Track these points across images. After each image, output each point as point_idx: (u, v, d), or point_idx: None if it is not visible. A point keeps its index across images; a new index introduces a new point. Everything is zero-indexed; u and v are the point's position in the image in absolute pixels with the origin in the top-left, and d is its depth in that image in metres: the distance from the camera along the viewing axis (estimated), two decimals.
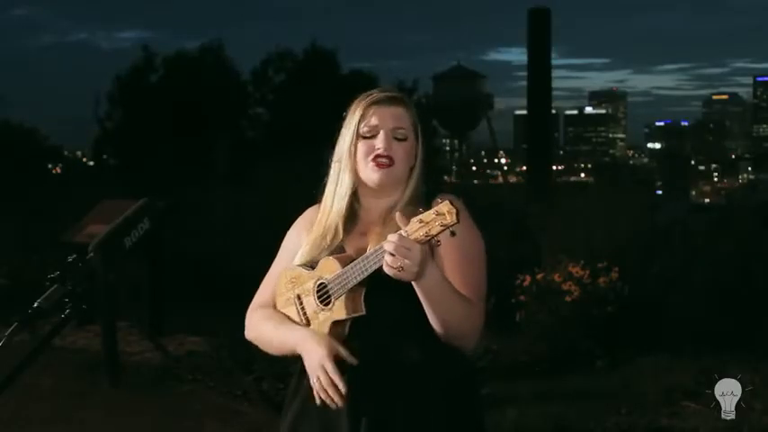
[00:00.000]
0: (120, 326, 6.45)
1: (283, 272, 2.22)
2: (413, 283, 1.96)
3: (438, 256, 2.05)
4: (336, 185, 2.20)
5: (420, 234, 1.88)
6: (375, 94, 2.19)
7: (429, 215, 1.87)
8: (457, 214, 1.84)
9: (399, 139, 2.15)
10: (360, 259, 2.01)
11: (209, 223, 10.39)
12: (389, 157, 2.13)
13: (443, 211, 1.85)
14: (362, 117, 2.16)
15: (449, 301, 2.00)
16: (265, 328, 2.22)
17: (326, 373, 2.02)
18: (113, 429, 5.18)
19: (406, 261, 1.89)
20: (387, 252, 1.90)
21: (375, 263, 1.97)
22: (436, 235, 1.87)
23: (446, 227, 1.85)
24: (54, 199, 11.65)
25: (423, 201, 2.13)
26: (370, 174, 2.14)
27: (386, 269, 1.92)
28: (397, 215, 1.94)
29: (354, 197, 2.20)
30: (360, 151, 2.15)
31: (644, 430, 4.91)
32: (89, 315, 1.88)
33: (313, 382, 2.05)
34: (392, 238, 1.89)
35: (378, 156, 2.13)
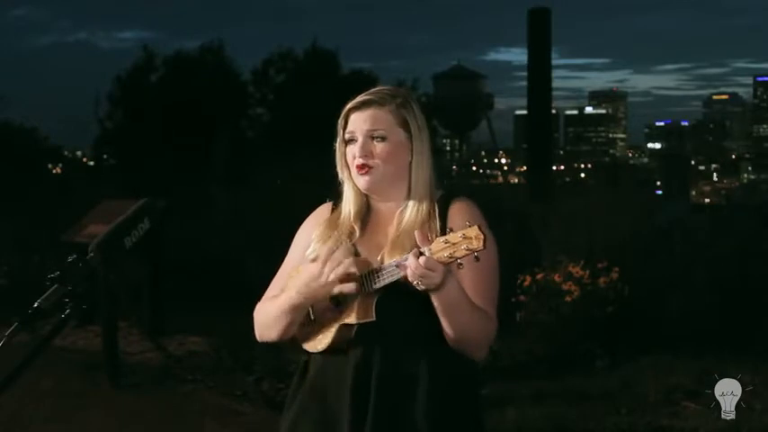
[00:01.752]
0: (120, 326, 6.45)
1: (296, 268, 2.22)
2: (431, 294, 1.96)
3: (455, 265, 2.05)
4: (345, 192, 2.23)
5: (444, 255, 1.88)
6: (353, 100, 2.20)
7: (455, 237, 1.86)
8: (484, 241, 1.83)
9: (377, 140, 2.15)
10: (378, 268, 2.01)
11: (209, 223, 10.39)
12: (367, 164, 2.14)
13: (471, 236, 1.85)
14: (345, 124, 2.20)
15: (466, 313, 2.00)
16: (267, 306, 2.20)
17: (327, 266, 2.02)
18: (113, 429, 5.18)
19: (426, 279, 1.90)
20: (410, 269, 1.90)
21: (393, 275, 1.97)
22: (461, 258, 1.87)
23: (472, 251, 1.85)
24: (54, 199, 11.65)
25: (438, 206, 2.14)
26: (356, 180, 2.18)
27: (409, 278, 1.93)
28: (417, 234, 1.94)
29: (367, 200, 2.23)
30: (348, 158, 2.19)
31: (644, 430, 4.91)
32: (89, 315, 1.87)
33: (325, 278, 2.04)
34: (420, 260, 1.88)
35: (357, 165, 2.15)
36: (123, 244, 1.95)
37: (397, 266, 1.96)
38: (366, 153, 2.14)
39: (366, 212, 2.23)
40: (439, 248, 1.88)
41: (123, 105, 26.70)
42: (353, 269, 2.02)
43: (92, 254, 1.89)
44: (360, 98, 2.20)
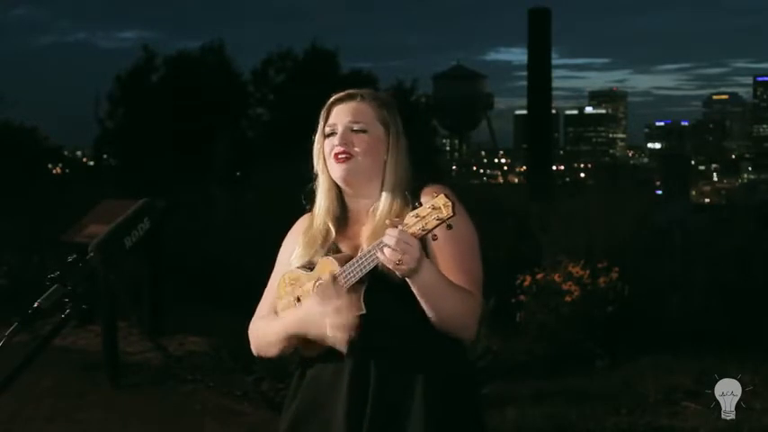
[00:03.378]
0: (120, 326, 6.45)
1: (283, 275, 2.23)
2: (408, 279, 1.96)
3: (433, 248, 2.06)
4: (319, 188, 2.24)
5: (417, 228, 1.87)
6: (335, 95, 2.24)
7: (425, 209, 1.87)
8: (453, 207, 1.84)
9: (357, 132, 2.17)
10: (357, 258, 2.01)
11: (209, 223, 10.39)
12: (346, 152, 2.15)
13: (439, 205, 1.85)
14: (326, 118, 2.22)
15: (446, 294, 2.00)
16: (265, 327, 2.23)
17: (334, 311, 2.01)
18: (113, 429, 5.18)
19: (406, 255, 1.89)
20: (386, 246, 1.90)
21: (372, 260, 1.97)
22: (432, 229, 1.87)
23: (442, 221, 1.85)
24: (54, 199, 11.65)
25: (410, 195, 2.13)
26: (333, 171, 2.18)
27: (385, 263, 1.92)
28: (388, 221, 1.94)
29: (341, 198, 2.23)
30: (325, 151, 2.20)
31: (644, 430, 4.91)
32: (89, 315, 1.87)
33: (328, 332, 2.03)
34: (392, 232, 1.89)
35: (336, 153, 2.16)
36: (123, 244, 1.94)
37: (374, 250, 1.95)
38: (346, 142, 2.16)
39: (342, 211, 2.23)
40: (411, 223, 1.88)
41: (123, 105, 26.72)
42: (351, 319, 2.01)
43: (92, 254, 1.88)
44: (343, 92, 2.24)
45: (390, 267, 1.92)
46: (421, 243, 1.92)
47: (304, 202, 2.30)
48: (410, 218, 1.89)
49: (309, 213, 2.28)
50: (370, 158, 2.17)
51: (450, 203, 1.84)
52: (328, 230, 2.20)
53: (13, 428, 4.96)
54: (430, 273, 1.97)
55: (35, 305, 1.81)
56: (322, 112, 2.24)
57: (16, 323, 1.82)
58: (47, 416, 5.27)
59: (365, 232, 2.14)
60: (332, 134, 2.19)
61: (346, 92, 2.24)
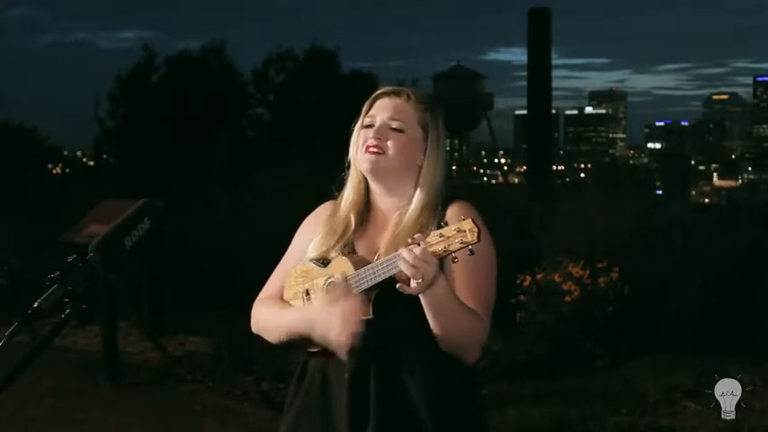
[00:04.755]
0: (120, 326, 6.45)
1: (295, 266, 2.21)
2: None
3: (450, 266, 2.04)
4: (349, 179, 2.22)
5: (439, 248, 1.87)
6: (382, 88, 2.23)
7: (450, 230, 1.86)
8: (478, 234, 1.83)
9: (395, 130, 2.15)
10: (373, 264, 2.00)
11: (209, 223, 10.40)
12: (378, 146, 2.13)
13: (465, 229, 1.84)
14: (368, 109, 2.20)
15: (454, 312, 1.99)
16: (269, 315, 2.21)
17: (340, 315, 2.01)
18: (113, 429, 5.18)
19: (422, 273, 1.88)
20: (405, 261, 1.88)
21: (388, 270, 1.96)
22: (455, 251, 1.86)
23: (466, 245, 1.84)
24: (54, 199, 11.65)
25: (439, 206, 2.12)
26: (361, 161, 2.16)
27: (399, 276, 1.91)
28: (414, 222, 1.93)
29: (368, 195, 2.21)
30: (359, 141, 2.18)
31: (644, 430, 4.92)
32: (89, 315, 1.86)
33: (332, 336, 2.03)
34: (415, 249, 1.87)
35: (368, 145, 2.14)
36: (123, 244, 1.94)
37: (391, 261, 1.95)
38: (380, 137, 2.14)
39: (367, 209, 2.22)
40: (433, 242, 1.87)
41: (124, 105, 26.71)
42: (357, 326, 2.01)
43: (92, 254, 1.88)
44: (390, 87, 2.22)
45: (405, 284, 1.91)
46: (439, 260, 1.91)
47: (333, 190, 2.27)
48: (434, 236, 1.87)
49: (334, 200, 2.26)
50: (402, 159, 2.14)
51: (476, 229, 1.83)
52: (349, 223, 2.18)
53: (13, 428, 4.96)
54: (442, 288, 1.95)
55: (35, 305, 1.81)
56: (366, 103, 2.21)
57: (16, 323, 1.82)
58: (47, 416, 5.27)
59: (386, 237, 2.12)
60: (369, 126, 2.17)
61: (394, 87, 2.22)
